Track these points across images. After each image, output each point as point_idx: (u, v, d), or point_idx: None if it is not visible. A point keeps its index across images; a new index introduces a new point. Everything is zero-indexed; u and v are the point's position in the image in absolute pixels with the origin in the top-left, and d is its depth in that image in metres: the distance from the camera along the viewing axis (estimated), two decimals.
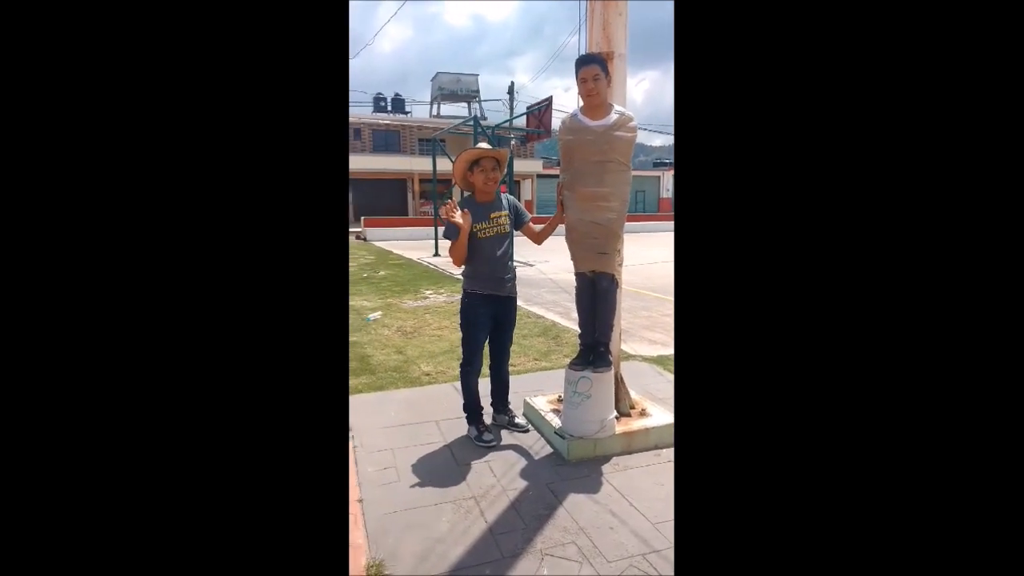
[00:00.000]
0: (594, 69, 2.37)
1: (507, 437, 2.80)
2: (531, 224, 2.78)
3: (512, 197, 2.79)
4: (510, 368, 2.93)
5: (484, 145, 2.80)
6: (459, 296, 2.85)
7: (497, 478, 2.39)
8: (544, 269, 8.85)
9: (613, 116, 2.42)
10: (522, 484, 2.34)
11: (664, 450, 2.64)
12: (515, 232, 2.75)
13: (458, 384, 2.85)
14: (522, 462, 2.55)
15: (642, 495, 2.24)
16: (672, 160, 40.93)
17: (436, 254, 12.73)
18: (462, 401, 2.80)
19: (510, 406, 2.93)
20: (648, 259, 11.55)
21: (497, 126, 13.30)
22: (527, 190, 27.22)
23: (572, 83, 2.50)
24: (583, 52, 2.82)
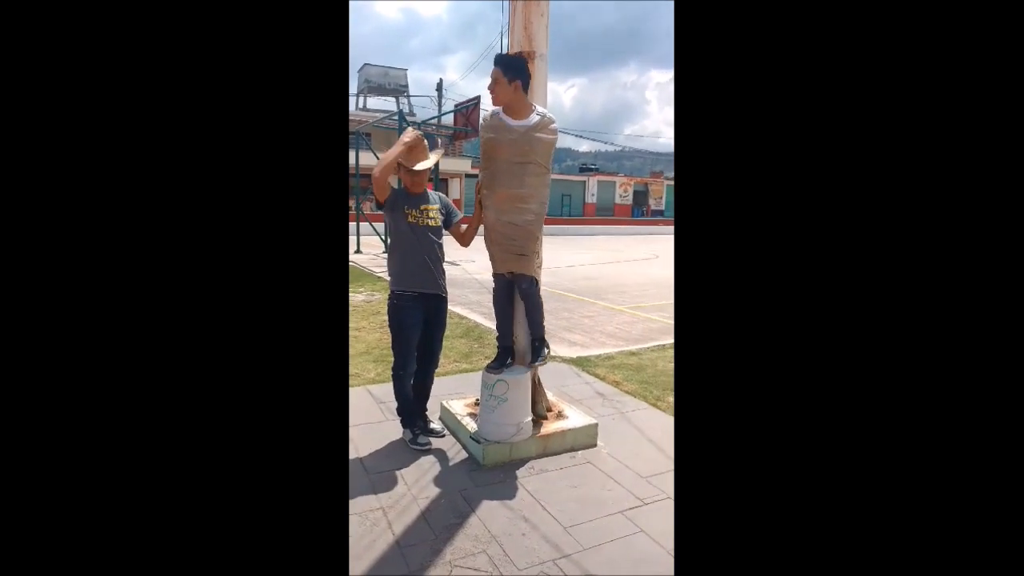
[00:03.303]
0: (495, 72, 2.33)
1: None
2: (460, 224, 2.71)
3: (443, 195, 2.72)
4: None
5: (428, 160, 2.55)
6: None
7: (408, 487, 2.30)
8: (469, 269, 8.78)
9: (535, 117, 2.41)
10: (434, 492, 2.26)
11: (580, 452, 2.66)
12: (444, 232, 2.66)
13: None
14: (435, 469, 2.47)
15: (556, 499, 2.23)
16: (597, 166, 42.24)
17: (358, 251, 12.29)
18: (395, 405, 2.69)
19: (427, 411, 2.84)
20: (571, 262, 11.80)
21: (424, 122, 13.08)
22: (455, 189, 27.01)
23: None
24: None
